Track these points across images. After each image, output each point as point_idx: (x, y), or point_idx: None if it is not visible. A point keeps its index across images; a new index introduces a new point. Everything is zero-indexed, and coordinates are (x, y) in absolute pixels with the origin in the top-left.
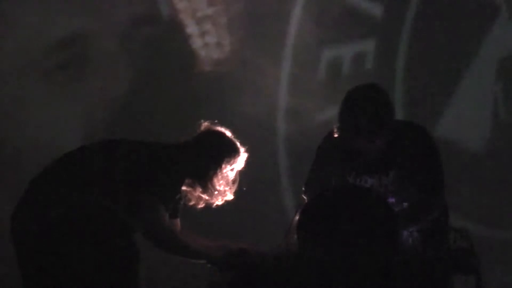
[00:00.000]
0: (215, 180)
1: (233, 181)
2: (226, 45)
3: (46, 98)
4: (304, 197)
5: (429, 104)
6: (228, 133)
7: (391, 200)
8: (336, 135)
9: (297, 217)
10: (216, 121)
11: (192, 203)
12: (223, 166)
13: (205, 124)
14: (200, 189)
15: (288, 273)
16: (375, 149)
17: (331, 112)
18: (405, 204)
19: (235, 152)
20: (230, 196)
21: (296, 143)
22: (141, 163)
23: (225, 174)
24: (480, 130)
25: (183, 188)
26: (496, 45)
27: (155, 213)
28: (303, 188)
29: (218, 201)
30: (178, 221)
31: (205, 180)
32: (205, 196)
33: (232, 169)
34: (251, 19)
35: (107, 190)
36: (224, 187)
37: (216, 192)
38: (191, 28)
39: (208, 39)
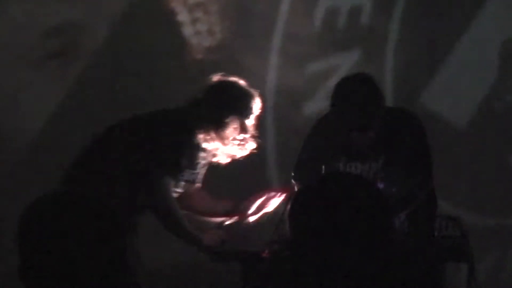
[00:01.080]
0: (232, 129)
1: (251, 128)
2: (218, 32)
3: (38, 86)
4: (294, 182)
5: (420, 68)
6: (242, 82)
7: (380, 185)
8: (325, 123)
9: (288, 206)
10: (224, 73)
11: (216, 158)
12: (238, 113)
13: (215, 77)
14: (219, 141)
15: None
16: (366, 140)
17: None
18: (394, 189)
19: (249, 99)
20: (252, 145)
21: (285, 123)
22: (147, 135)
23: (242, 122)
24: (466, 105)
25: (204, 145)
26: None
27: (159, 186)
28: (293, 174)
29: (241, 152)
30: (196, 188)
31: (222, 130)
32: (225, 148)
33: (248, 116)
34: (243, 7)
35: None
36: (243, 135)
37: (236, 142)
38: (183, 16)
39: (200, 26)
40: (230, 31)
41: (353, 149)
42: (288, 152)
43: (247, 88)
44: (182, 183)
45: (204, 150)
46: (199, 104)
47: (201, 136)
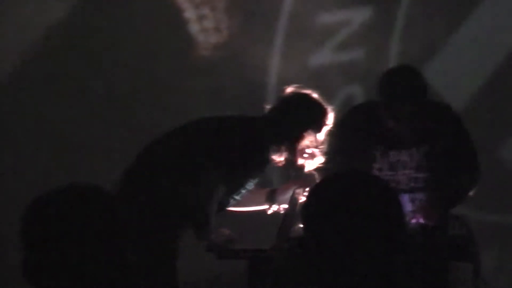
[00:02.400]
0: (305, 143)
1: (321, 142)
2: (224, 29)
3: None
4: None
5: (429, 38)
6: (315, 95)
7: (422, 175)
8: (360, 113)
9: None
10: (299, 85)
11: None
12: (314, 128)
13: (289, 89)
14: (290, 155)
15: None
16: (406, 127)
17: None
18: (438, 181)
19: (324, 113)
20: (320, 159)
21: None
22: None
23: (315, 136)
24: (467, 85)
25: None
26: None
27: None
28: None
29: (309, 165)
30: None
31: (296, 144)
32: (294, 160)
33: (320, 131)
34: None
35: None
36: (313, 149)
37: (305, 155)
38: (189, 13)
39: (206, 23)
40: (236, 27)
41: (390, 137)
42: None
43: (322, 101)
44: (244, 191)
45: (271, 162)
46: (275, 117)
47: (273, 149)
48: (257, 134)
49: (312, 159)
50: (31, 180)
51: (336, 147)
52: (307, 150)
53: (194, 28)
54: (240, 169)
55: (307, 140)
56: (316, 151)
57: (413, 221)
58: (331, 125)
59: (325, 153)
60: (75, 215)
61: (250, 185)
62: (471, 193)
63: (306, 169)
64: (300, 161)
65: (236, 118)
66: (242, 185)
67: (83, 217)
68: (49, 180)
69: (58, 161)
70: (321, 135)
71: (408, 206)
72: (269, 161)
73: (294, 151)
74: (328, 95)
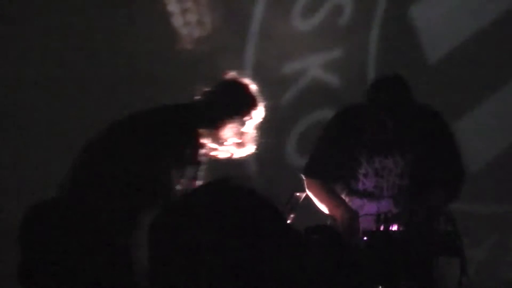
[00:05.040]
0: (223, 130)
1: (246, 135)
2: (207, 23)
3: None
4: (305, 177)
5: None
6: (252, 86)
7: (406, 182)
8: (346, 118)
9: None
10: (243, 71)
11: (213, 153)
12: (235, 116)
13: (230, 74)
14: (215, 141)
15: None
16: (392, 134)
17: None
18: (418, 188)
19: (249, 106)
20: (250, 148)
21: None
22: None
23: (237, 126)
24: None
25: (204, 143)
26: None
27: (166, 181)
28: (305, 169)
29: (237, 153)
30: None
31: (217, 130)
32: (214, 146)
33: (243, 123)
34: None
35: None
36: (232, 139)
37: (223, 143)
38: (172, 6)
39: (189, 17)
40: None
41: (376, 144)
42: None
43: (255, 94)
44: (183, 179)
45: (204, 147)
46: (204, 101)
47: (200, 134)
48: (185, 120)
49: (239, 148)
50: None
51: (322, 150)
52: (233, 139)
53: (177, 21)
54: (172, 157)
55: (230, 129)
56: (246, 140)
57: (393, 228)
58: (259, 120)
59: (312, 156)
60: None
61: (191, 172)
62: (455, 199)
63: (234, 156)
64: (227, 148)
65: (166, 106)
66: (181, 173)
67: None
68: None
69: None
70: (247, 127)
71: (392, 210)
72: (199, 146)
73: (216, 137)
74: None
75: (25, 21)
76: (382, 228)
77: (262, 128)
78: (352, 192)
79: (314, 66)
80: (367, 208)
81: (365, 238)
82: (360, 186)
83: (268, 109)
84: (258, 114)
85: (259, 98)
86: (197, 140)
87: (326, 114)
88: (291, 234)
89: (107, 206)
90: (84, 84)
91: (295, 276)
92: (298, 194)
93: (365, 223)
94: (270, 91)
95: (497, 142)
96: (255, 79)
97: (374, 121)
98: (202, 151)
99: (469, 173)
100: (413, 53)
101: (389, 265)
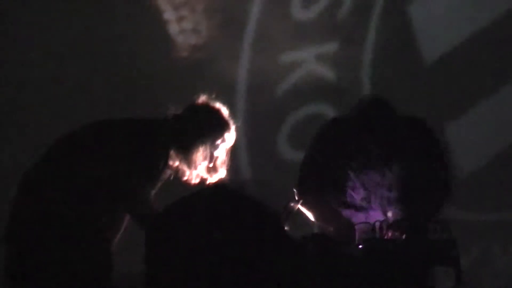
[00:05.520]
0: (197, 153)
1: (217, 160)
2: (203, 31)
3: None
4: (296, 192)
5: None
6: (223, 110)
7: (394, 194)
8: (332, 134)
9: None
10: (214, 95)
11: (184, 178)
12: (208, 141)
13: (202, 98)
14: (186, 164)
15: None
16: (380, 146)
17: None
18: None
19: (222, 129)
20: (221, 173)
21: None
22: (121, 143)
23: (209, 150)
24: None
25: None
26: None
27: (137, 194)
28: (298, 184)
29: (209, 178)
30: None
31: (187, 152)
32: (185, 169)
33: (216, 146)
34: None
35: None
36: (204, 163)
37: (195, 167)
38: (168, 14)
39: (185, 25)
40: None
41: (364, 157)
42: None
43: (226, 118)
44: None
45: (169, 167)
46: (176, 122)
47: (170, 154)
48: (154, 139)
49: (211, 173)
50: None
51: (312, 165)
52: (205, 163)
53: (173, 29)
54: (133, 172)
55: (202, 153)
56: (218, 165)
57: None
58: (231, 144)
59: (302, 166)
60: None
61: (149, 190)
62: (443, 209)
63: (205, 181)
64: (198, 172)
65: (137, 122)
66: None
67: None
68: None
69: None
70: (219, 152)
71: (388, 219)
72: (165, 165)
73: (186, 161)
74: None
75: (25, 21)
76: (377, 236)
77: (256, 119)
78: (340, 204)
79: (311, 58)
80: (355, 219)
81: (360, 246)
82: (348, 199)
83: (263, 99)
84: (230, 137)
85: (230, 121)
86: (167, 159)
87: (319, 107)
88: (287, 239)
89: (71, 211)
90: (84, 84)
91: (289, 280)
92: (292, 204)
93: (360, 232)
94: (267, 81)
95: (490, 146)
96: (251, 69)
97: (362, 134)
98: (170, 171)
99: (461, 177)
100: (410, 50)
101: (384, 273)
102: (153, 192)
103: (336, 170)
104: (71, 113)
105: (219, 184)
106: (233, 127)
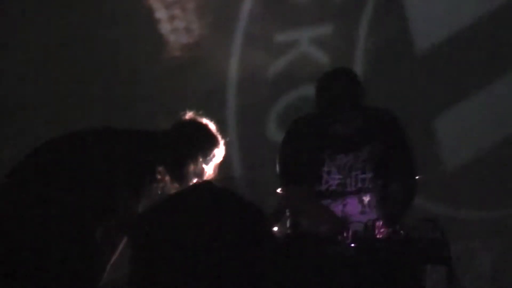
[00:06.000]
0: (187, 169)
1: (207, 173)
2: (195, 29)
3: None
4: (280, 186)
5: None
6: (211, 126)
7: (369, 174)
8: (303, 123)
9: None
10: (200, 112)
11: (162, 191)
12: (198, 157)
13: (189, 114)
14: (172, 178)
15: None
16: (350, 130)
17: None
18: (379, 180)
19: (212, 145)
20: None
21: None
22: (112, 155)
23: (199, 166)
24: None
25: (158, 176)
26: None
27: (123, 205)
28: (281, 180)
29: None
30: None
31: (177, 169)
32: (175, 185)
33: (207, 162)
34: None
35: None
36: (195, 178)
37: (186, 183)
38: (160, 13)
39: (177, 24)
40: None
41: (336, 141)
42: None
43: (215, 133)
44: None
45: (157, 181)
46: (165, 139)
47: (158, 170)
48: (142, 155)
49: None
50: None
51: (286, 154)
52: (190, 179)
53: (165, 28)
54: (122, 186)
55: (194, 170)
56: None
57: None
58: (220, 159)
59: (278, 160)
60: None
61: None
62: (411, 200)
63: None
64: (181, 186)
65: (126, 136)
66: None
67: None
68: None
69: None
70: (208, 167)
71: (357, 208)
72: (151, 182)
73: (179, 178)
74: None
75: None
76: (369, 235)
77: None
78: (317, 194)
79: (305, 40)
80: (333, 209)
81: (352, 245)
82: (324, 185)
83: (255, 79)
84: (220, 152)
85: (219, 136)
86: (154, 176)
87: (311, 90)
88: (273, 238)
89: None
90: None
91: (277, 281)
92: (282, 204)
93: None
94: (260, 60)
95: (476, 142)
96: (246, 48)
97: (330, 120)
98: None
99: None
100: (402, 40)
101: (376, 273)
102: (138, 208)
103: (311, 157)
104: (71, 113)
105: (205, 183)
106: (222, 142)
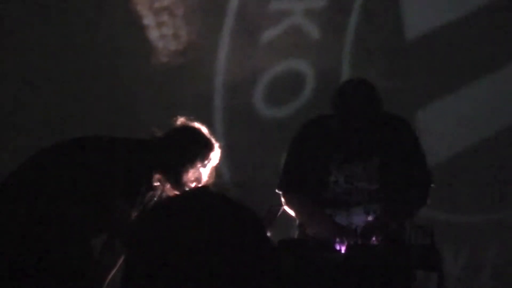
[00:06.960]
0: (186, 175)
1: (205, 178)
2: (183, 36)
3: None
4: (280, 192)
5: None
6: (204, 130)
7: (375, 187)
8: (314, 128)
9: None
10: (192, 117)
11: (160, 196)
12: (196, 162)
13: (181, 120)
14: (170, 184)
15: None
16: (362, 140)
17: None
18: (387, 192)
19: (208, 149)
20: None
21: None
22: (106, 162)
23: (197, 170)
24: None
25: (155, 183)
26: None
27: (119, 213)
28: (281, 183)
29: None
30: None
31: (177, 175)
32: (173, 191)
33: (204, 166)
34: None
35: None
36: (194, 183)
37: (184, 189)
38: (148, 19)
39: (165, 30)
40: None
41: (345, 150)
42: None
43: (210, 137)
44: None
45: (153, 188)
46: (160, 146)
47: (154, 177)
48: (139, 161)
49: None
50: None
51: (294, 162)
52: (189, 184)
53: (153, 34)
54: (118, 194)
55: (192, 175)
56: (204, 182)
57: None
58: (216, 162)
59: (284, 166)
60: None
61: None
62: (422, 208)
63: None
64: (179, 191)
65: (123, 143)
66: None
67: None
68: None
69: None
70: (205, 171)
71: (362, 218)
72: (147, 189)
73: (177, 184)
74: None
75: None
76: (360, 241)
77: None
78: (322, 202)
79: (298, 11)
80: (337, 219)
81: (343, 251)
82: (330, 194)
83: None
84: (216, 155)
85: (213, 139)
86: (150, 183)
87: (298, 63)
88: (268, 244)
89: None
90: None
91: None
92: (276, 207)
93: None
94: (252, 27)
95: (463, 136)
96: (238, 17)
97: (342, 128)
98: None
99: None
100: (394, 28)
101: (367, 279)
102: (133, 214)
103: (318, 165)
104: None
105: (201, 188)
106: (217, 145)
